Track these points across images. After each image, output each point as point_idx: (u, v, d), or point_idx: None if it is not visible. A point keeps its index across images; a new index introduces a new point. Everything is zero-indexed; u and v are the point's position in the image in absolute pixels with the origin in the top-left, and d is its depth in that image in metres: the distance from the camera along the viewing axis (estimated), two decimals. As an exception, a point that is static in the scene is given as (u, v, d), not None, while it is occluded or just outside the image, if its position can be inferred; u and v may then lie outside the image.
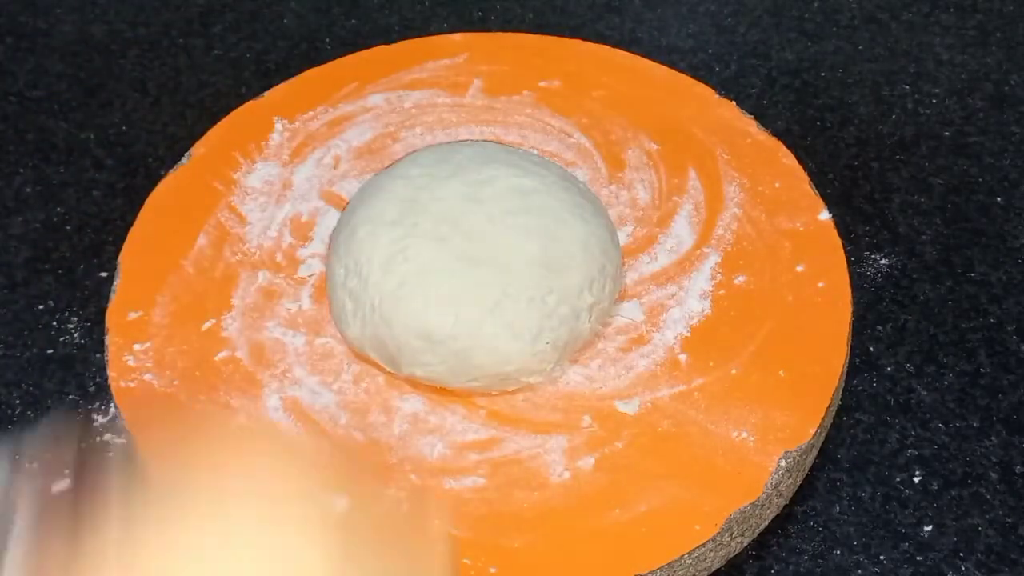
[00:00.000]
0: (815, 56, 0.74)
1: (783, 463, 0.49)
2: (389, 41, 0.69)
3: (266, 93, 0.65)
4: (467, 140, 0.61)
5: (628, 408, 0.51)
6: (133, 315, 0.55)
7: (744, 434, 0.50)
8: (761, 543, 0.51)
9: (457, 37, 0.68)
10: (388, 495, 0.38)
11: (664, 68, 0.66)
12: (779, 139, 0.62)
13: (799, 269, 0.56)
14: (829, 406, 0.51)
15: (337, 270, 0.54)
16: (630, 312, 0.55)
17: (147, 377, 0.53)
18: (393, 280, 0.52)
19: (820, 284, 0.55)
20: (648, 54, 0.67)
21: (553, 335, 0.52)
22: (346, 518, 0.34)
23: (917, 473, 0.54)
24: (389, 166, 0.58)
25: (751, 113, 0.64)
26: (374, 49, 0.68)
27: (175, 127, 0.71)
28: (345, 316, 0.53)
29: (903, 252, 0.63)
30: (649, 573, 0.46)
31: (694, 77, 0.66)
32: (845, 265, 0.56)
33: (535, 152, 0.58)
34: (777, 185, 0.60)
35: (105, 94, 0.73)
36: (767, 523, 0.51)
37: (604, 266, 0.53)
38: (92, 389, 0.58)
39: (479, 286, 0.51)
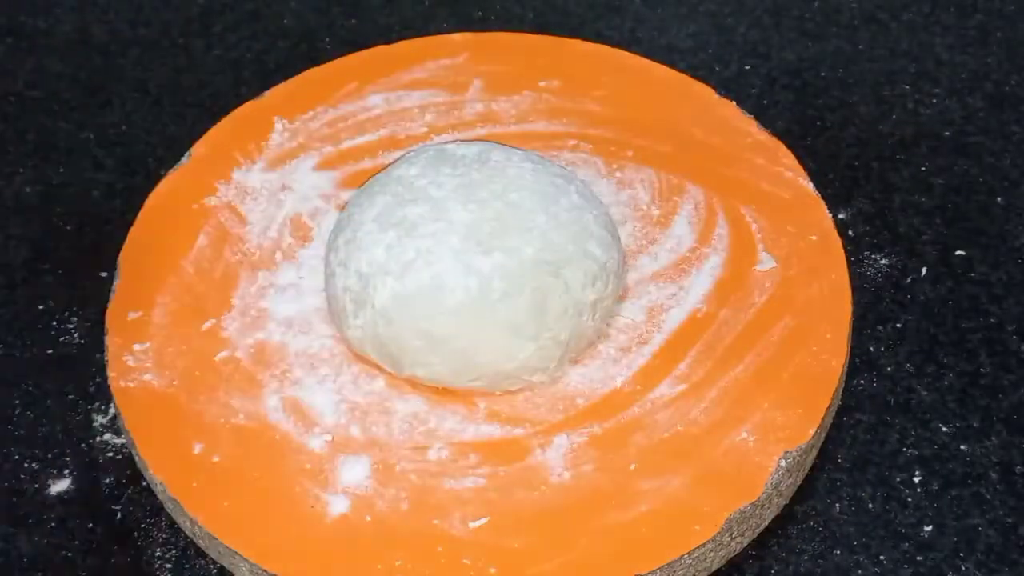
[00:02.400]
0: (815, 56, 0.74)
1: (783, 463, 0.49)
2: (389, 41, 0.69)
3: (266, 93, 0.65)
4: (465, 140, 0.61)
5: (628, 408, 0.51)
6: (133, 315, 0.55)
7: (744, 434, 0.50)
8: (761, 543, 0.51)
9: (457, 37, 0.68)
10: None
11: (664, 68, 0.66)
12: (779, 139, 0.62)
13: (799, 269, 0.56)
14: (829, 406, 0.51)
15: (337, 271, 0.53)
16: (630, 312, 0.55)
17: (147, 377, 0.53)
18: (393, 280, 0.52)
19: (820, 284, 0.55)
20: (648, 54, 0.67)
21: (555, 331, 0.52)
22: None
23: (917, 473, 0.54)
24: (387, 166, 0.58)
25: (751, 113, 0.64)
26: (374, 49, 0.68)
27: (175, 127, 0.71)
28: (346, 317, 0.53)
29: (903, 252, 0.63)
30: (649, 573, 0.46)
31: (694, 77, 0.66)
32: (845, 265, 0.56)
33: (535, 153, 0.58)
34: (777, 185, 0.60)
35: (105, 94, 0.73)
36: (767, 523, 0.51)
37: (606, 263, 0.53)
38: (92, 389, 0.58)
39: (480, 284, 0.51)
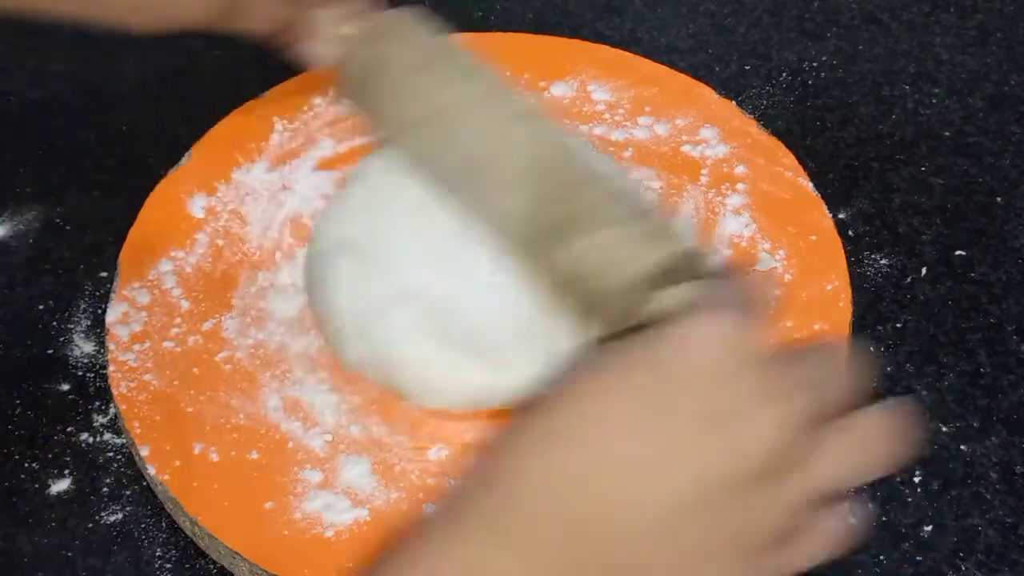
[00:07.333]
0: (815, 56, 0.74)
1: (783, 463, 0.49)
2: (389, 41, 0.69)
3: (266, 93, 0.65)
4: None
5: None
6: (133, 315, 0.55)
7: (744, 434, 0.50)
8: (761, 543, 0.51)
9: (457, 37, 0.68)
10: None
11: (664, 68, 0.66)
12: (779, 139, 0.62)
13: (799, 269, 0.56)
14: (829, 406, 0.51)
15: (343, 284, 0.52)
16: (630, 312, 0.55)
17: (147, 377, 0.53)
18: (410, 308, 0.50)
19: (820, 284, 0.55)
20: (648, 54, 0.67)
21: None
22: None
23: (917, 473, 0.54)
24: (352, 179, 0.56)
25: (751, 113, 0.64)
26: (374, 49, 0.68)
27: (175, 127, 0.71)
28: (344, 339, 0.52)
29: (903, 252, 0.63)
30: (649, 573, 0.46)
31: (694, 77, 0.66)
32: (845, 265, 0.56)
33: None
34: (777, 185, 0.60)
35: (105, 94, 0.73)
36: (767, 523, 0.51)
37: None
38: (92, 389, 0.58)
39: (506, 306, 0.49)
